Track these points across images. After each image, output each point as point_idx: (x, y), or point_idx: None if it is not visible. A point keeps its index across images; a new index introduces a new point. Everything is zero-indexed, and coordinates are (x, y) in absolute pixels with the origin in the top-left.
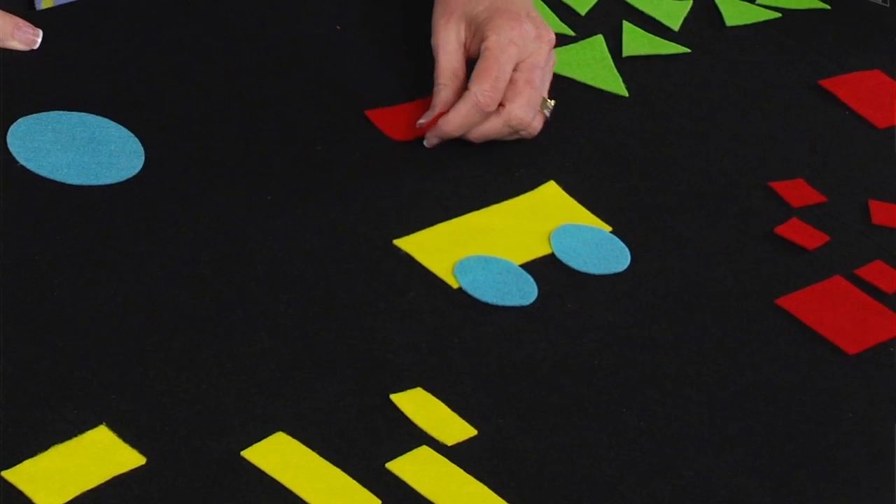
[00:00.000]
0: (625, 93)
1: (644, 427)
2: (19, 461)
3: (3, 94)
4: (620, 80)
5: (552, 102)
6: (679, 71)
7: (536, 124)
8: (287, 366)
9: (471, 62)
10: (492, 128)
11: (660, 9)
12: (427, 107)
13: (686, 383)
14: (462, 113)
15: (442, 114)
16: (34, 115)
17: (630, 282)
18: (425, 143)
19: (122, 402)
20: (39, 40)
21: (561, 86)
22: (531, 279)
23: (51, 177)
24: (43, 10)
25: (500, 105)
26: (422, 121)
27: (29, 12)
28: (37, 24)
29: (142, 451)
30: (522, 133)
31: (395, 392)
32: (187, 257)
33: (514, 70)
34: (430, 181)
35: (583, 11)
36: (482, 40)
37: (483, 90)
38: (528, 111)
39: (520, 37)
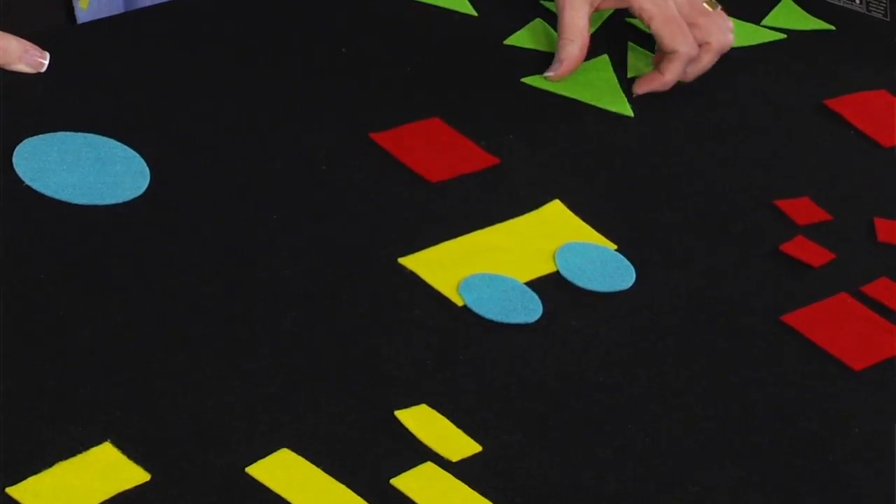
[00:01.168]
0: (630, 113)
1: (649, 443)
2: (24, 477)
3: (10, 115)
4: (626, 99)
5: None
6: (684, 91)
7: (731, 38)
8: (291, 382)
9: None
10: (708, 62)
11: None
12: (432, 129)
13: (691, 399)
14: (677, 71)
15: (568, 68)
16: (40, 136)
17: (635, 299)
18: (634, 94)
19: (127, 419)
20: (47, 63)
21: (567, 106)
22: (536, 297)
23: (56, 196)
24: (47, 31)
25: (700, 45)
26: (550, 74)
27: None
28: (43, 45)
29: (146, 468)
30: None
31: (399, 408)
32: (192, 276)
33: (681, 14)
34: (435, 200)
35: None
36: (629, 3)
37: (688, 45)
38: (725, 34)
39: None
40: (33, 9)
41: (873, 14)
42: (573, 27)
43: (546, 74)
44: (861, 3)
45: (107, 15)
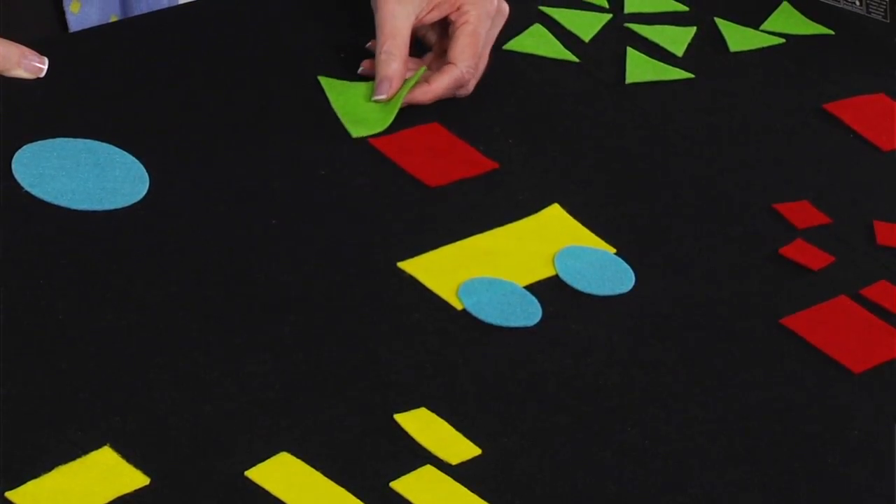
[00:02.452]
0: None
1: (649, 445)
2: (24, 482)
3: (9, 121)
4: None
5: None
6: (683, 96)
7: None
8: (291, 386)
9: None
10: (443, 88)
11: (663, 35)
12: (431, 134)
13: (691, 402)
14: (444, 86)
15: (398, 88)
16: (39, 142)
17: (634, 303)
18: (373, 98)
19: (127, 424)
20: (45, 69)
21: (565, 111)
22: (535, 300)
23: (56, 202)
24: (46, 38)
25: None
26: (381, 97)
27: (32, 39)
28: (42, 53)
29: (146, 472)
30: (458, 95)
31: (399, 412)
32: (191, 280)
33: None
34: (435, 205)
35: (587, 38)
36: (457, 11)
37: (468, 66)
38: (475, 80)
39: (494, 10)
40: (24, 16)
41: (873, 15)
42: (395, 39)
43: (377, 97)
44: (861, 4)
45: (98, 18)
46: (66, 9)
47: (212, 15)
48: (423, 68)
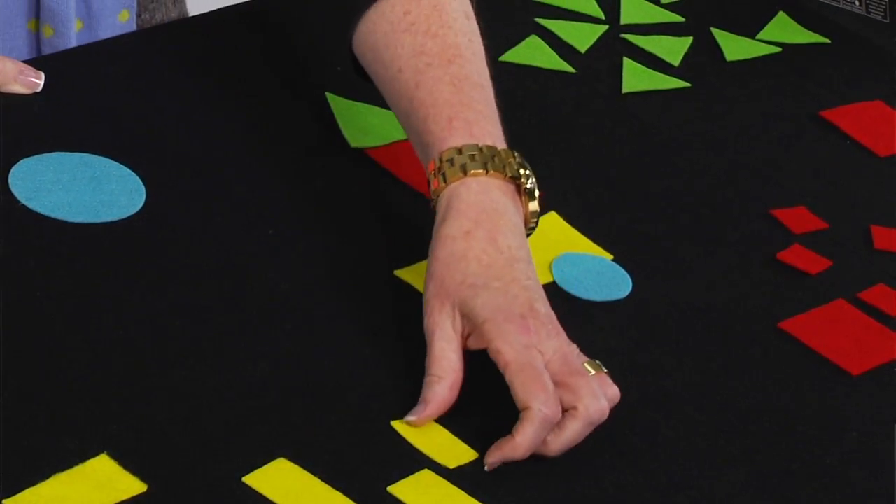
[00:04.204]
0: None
1: (647, 448)
2: (21, 489)
3: (5, 136)
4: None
5: (598, 363)
6: (680, 104)
7: (607, 410)
8: (288, 393)
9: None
10: (574, 433)
11: (660, 45)
12: None
13: (689, 405)
14: (530, 435)
15: (435, 414)
16: (35, 157)
17: (632, 308)
18: (486, 468)
19: (124, 432)
20: (41, 84)
21: (562, 119)
22: None
23: (52, 215)
24: (45, 56)
25: (566, 410)
26: (412, 418)
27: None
28: (38, 68)
29: (143, 479)
30: (598, 424)
31: (396, 418)
32: (188, 290)
33: (548, 370)
34: (431, 214)
35: (583, 49)
36: (487, 345)
37: (542, 402)
38: (599, 399)
39: (533, 340)
40: None
41: (873, 15)
42: (443, 361)
43: (408, 419)
44: (861, 4)
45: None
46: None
47: (207, 27)
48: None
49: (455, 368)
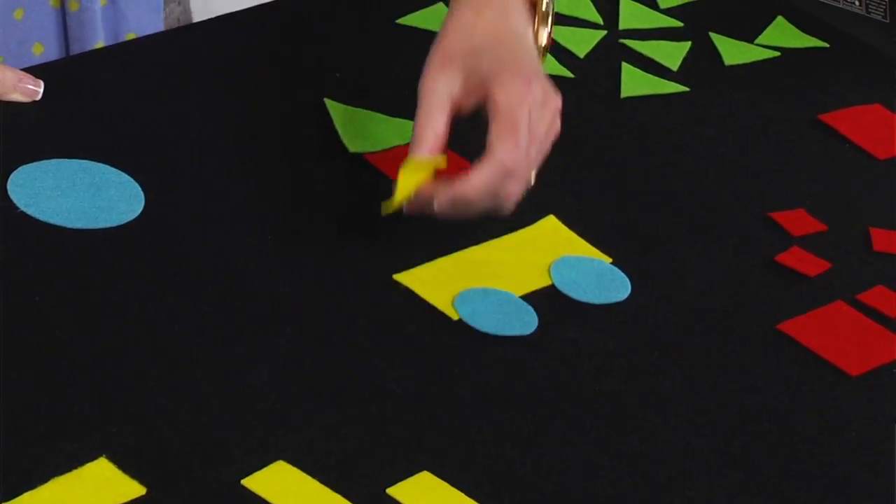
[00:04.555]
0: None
1: (646, 450)
2: (20, 493)
3: (4, 143)
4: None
5: (533, 174)
6: (678, 109)
7: (516, 200)
8: (287, 397)
9: (456, 120)
10: (512, 193)
11: (658, 50)
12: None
13: (688, 406)
14: (485, 176)
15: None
16: (34, 163)
17: (631, 310)
18: (436, 209)
19: (122, 436)
20: (41, 92)
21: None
22: (531, 309)
23: (51, 221)
24: (44, 64)
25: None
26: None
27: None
28: (38, 76)
29: (142, 482)
30: (499, 210)
31: (395, 421)
32: (187, 294)
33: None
34: (429, 217)
35: (581, 54)
36: (486, 98)
37: (509, 151)
38: (521, 185)
39: (530, 100)
40: None
41: (873, 15)
42: (428, 127)
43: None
44: (861, 4)
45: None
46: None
47: (204, 35)
48: (442, 157)
49: (439, 134)
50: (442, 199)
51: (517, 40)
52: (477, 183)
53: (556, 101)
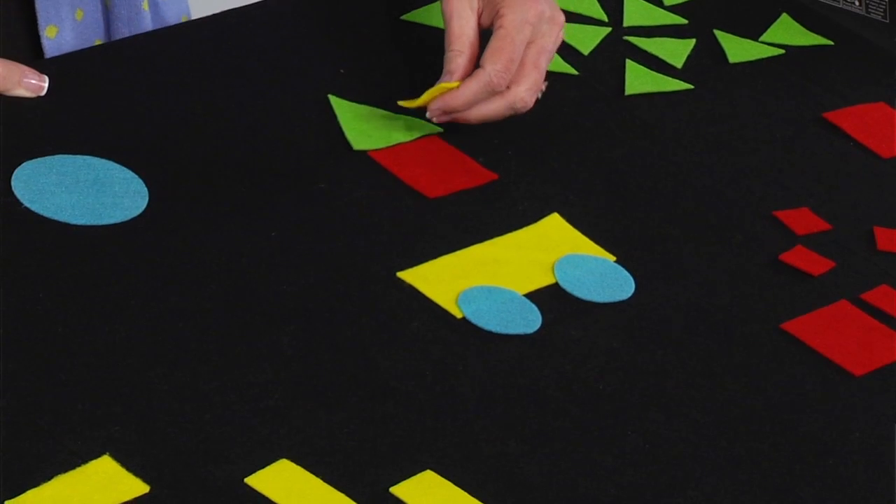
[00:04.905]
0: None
1: (650, 449)
2: (23, 491)
3: (8, 138)
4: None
5: (546, 84)
6: (683, 106)
7: (531, 104)
8: (290, 395)
9: (482, 32)
10: (494, 109)
11: (663, 47)
12: (431, 146)
13: (691, 405)
14: (473, 90)
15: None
16: (38, 159)
17: (635, 309)
18: (427, 114)
19: (126, 433)
20: (46, 87)
21: (564, 121)
22: (535, 308)
23: (55, 217)
24: (48, 59)
25: (506, 86)
26: (444, 82)
27: (35, 60)
28: (42, 72)
29: (145, 480)
30: (518, 113)
31: (398, 420)
32: (191, 292)
33: (525, 49)
34: (434, 216)
35: (586, 51)
36: (496, 15)
37: (497, 70)
38: (532, 94)
39: (535, 16)
40: None
41: (872, 15)
42: (462, 38)
43: (441, 82)
44: (860, 4)
45: (74, 44)
46: (41, 33)
47: (209, 31)
48: (457, 83)
49: (472, 43)
50: (433, 107)
51: None
52: (463, 95)
53: (561, 16)
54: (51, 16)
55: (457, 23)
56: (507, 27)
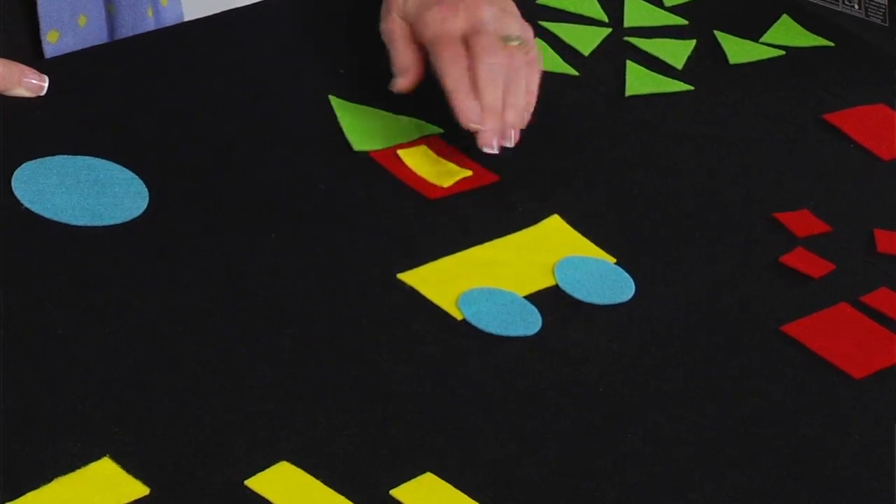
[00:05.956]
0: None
1: (649, 451)
2: (23, 493)
3: (8, 139)
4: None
5: (516, 37)
6: (683, 107)
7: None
8: (290, 397)
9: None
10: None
11: (663, 48)
12: (434, 146)
13: (691, 408)
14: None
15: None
16: (38, 160)
17: (635, 311)
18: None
19: (126, 435)
20: (46, 87)
21: (564, 122)
22: (535, 310)
23: (55, 218)
24: (48, 59)
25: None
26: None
27: (36, 60)
28: (42, 72)
29: (145, 482)
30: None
31: (398, 421)
32: (191, 294)
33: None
34: (434, 217)
35: (586, 52)
36: (421, 38)
37: (453, 74)
38: (495, 62)
39: (454, 24)
40: None
41: (872, 19)
42: (400, 65)
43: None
44: (860, 7)
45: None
46: (42, 38)
47: (208, 32)
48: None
49: (416, 63)
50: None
51: None
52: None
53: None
54: (53, 21)
55: (393, 49)
56: (434, 45)
